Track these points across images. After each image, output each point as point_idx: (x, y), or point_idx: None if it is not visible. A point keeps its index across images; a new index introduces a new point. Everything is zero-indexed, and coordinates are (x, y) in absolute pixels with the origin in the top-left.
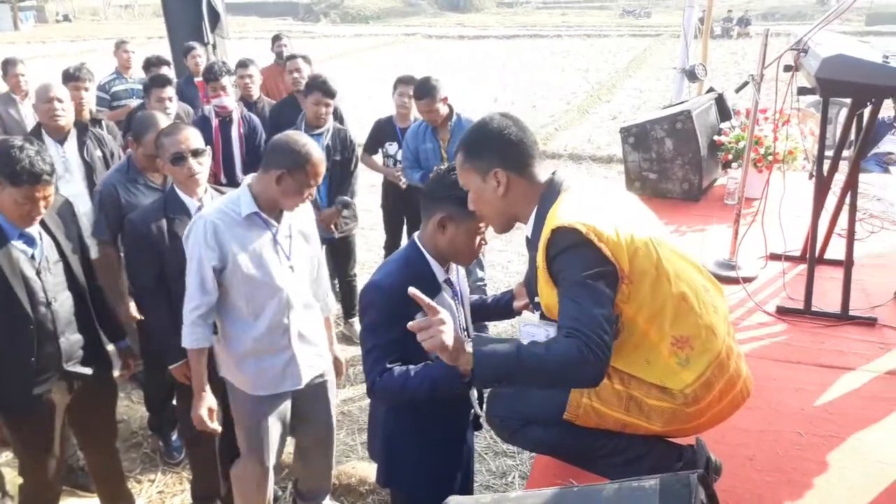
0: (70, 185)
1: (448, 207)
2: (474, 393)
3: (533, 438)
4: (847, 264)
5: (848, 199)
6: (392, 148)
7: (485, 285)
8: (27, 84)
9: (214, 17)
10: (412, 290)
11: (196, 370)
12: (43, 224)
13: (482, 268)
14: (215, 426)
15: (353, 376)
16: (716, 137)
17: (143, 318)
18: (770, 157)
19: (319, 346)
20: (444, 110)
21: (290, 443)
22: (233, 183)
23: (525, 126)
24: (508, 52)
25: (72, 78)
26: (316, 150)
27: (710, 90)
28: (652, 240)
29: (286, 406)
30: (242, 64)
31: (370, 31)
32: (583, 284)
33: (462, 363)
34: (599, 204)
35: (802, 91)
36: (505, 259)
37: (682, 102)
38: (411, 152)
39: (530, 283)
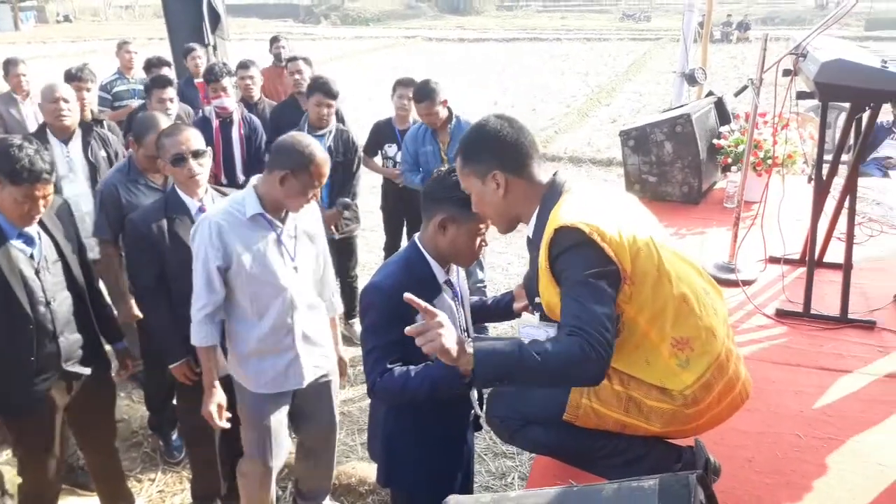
0: (74, 185)
1: (449, 209)
2: (474, 393)
3: (532, 439)
4: (846, 268)
5: (847, 203)
6: (391, 150)
7: (485, 287)
8: (28, 84)
9: (215, 19)
10: (408, 295)
11: (206, 367)
12: (41, 224)
13: (482, 269)
14: (223, 423)
15: (354, 377)
16: (715, 141)
17: (143, 317)
18: (769, 161)
19: (324, 346)
20: (443, 113)
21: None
22: (233, 184)
23: (522, 126)
24: (508, 55)
25: (74, 78)
26: (320, 151)
27: (710, 94)
28: (653, 241)
29: (287, 406)
30: (243, 65)
31: (370, 34)
32: (585, 283)
33: (463, 364)
34: (601, 205)
35: (801, 95)
36: (505, 261)
37: (682, 106)
38: (410, 155)
39: (530, 285)
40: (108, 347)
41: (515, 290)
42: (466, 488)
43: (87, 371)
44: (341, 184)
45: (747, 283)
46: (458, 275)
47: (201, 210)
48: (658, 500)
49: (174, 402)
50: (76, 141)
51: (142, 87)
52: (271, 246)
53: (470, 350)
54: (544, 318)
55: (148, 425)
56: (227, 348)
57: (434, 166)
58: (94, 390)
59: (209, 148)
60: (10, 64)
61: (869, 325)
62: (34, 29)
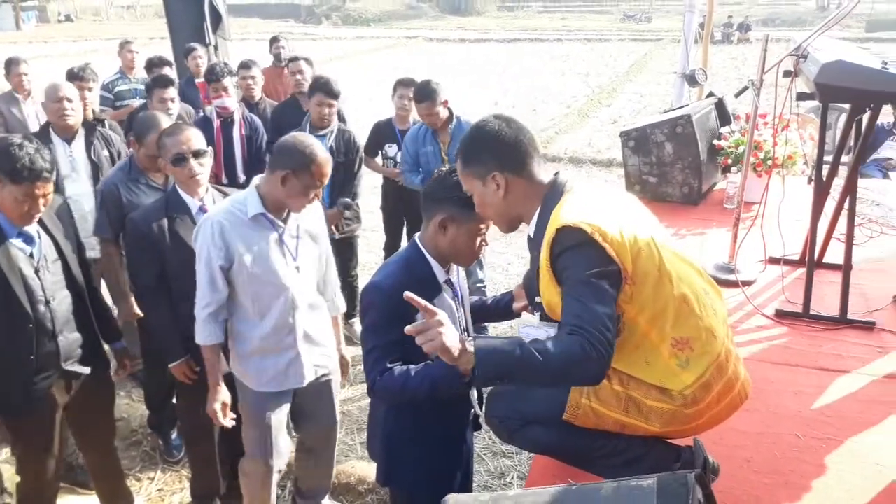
0: (76, 185)
1: (449, 208)
2: (474, 393)
3: (532, 439)
4: (846, 268)
5: (847, 204)
6: (392, 150)
7: (485, 287)
8: (30, 83)
9: (216, 19)
10: (408, 294)
11: (210, 365)
12: (41, 223)
13: (482, 269)
14: (227, 422)
15: (353, 376)
16: (715, 142)
17: (143, 316)
18: (769, 162)
19: (325, 346)
20: (444, 113)
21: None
22: (234, 183)
23: (520, 126)
24: (509, 55)
25: (76, 78)
26: (321, 151)
27: (710, 95)
28: (654, 241)
29: (288, 404)
30: (245, 65)
31: (372, 34)
32: (587, 283)
33: (463, 362)
34: (603, 205)
35: (802, 96)
36: (505, 261)
37: (683, 107)
38: (411, 156)
39: (530, 285)
40: (105, 347)
41: (515, 290)
42: (466, 488)
43: (86, 370)
44: (342, 184)
45: (747, 283)
46: (458, 274)
47: (202, 209)
48: (656, 499)
49: (174, 401)
50: (79, 140)
51: (143, 87)
52: (273, 246)
53: (470, 349)
54: (544, 317)
55: (148, 424)
56: (229, 347)
57: (434, 166)
58: (94, 390)
59: (210, 148)
60: (11, 63)
61: (868, 326)
62: (35, 28)
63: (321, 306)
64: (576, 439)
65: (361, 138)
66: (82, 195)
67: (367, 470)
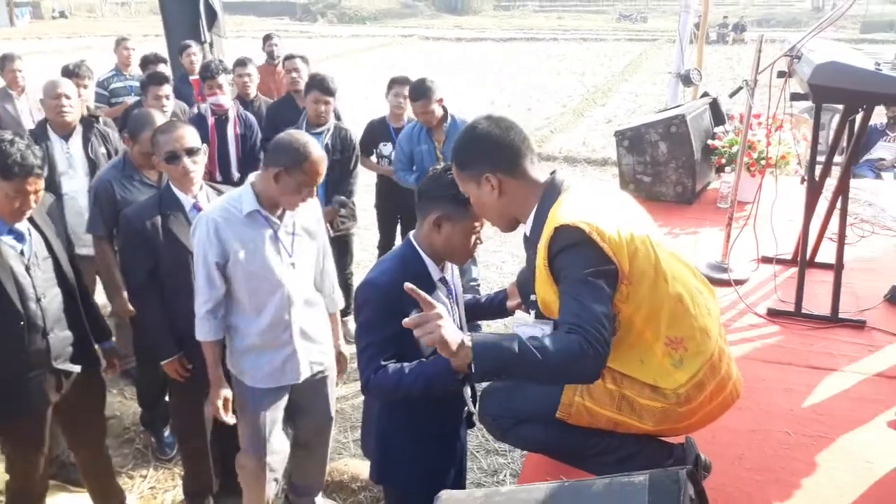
0: (73, 182)
1: (444, 206)
2: (468, 391)
3: (525, 437)
4: (837, 268)
5: (839, 204)
6: (386, 149)
7: (478, 285)
8: (24, 80)
9: (212, 16)
10: (408, 285)
11: (210, 362)
12: (31, 221)
13: (476, 267)
14: (229, 418)
15: (346, 374)
16: (709, 141)
17: (136, 313)
18: (763, 162)
19: (322, 342)
20: (439, 112)
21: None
22: (228, 181)
23: (511, 126)
24: (505, 54)
25: (71, 74)
26: (315, 149)
27: (705, 95)
28: (650, 241)
29: (284, 400)
30: (241, 62)
31: (367, 32)
32: (584, 282)
33: (461, 357)
34: (600, 204)
35: (795, 97)
36: (499, 259)
37: (677, 107)
38: (405, 154)
39: (524, 283)
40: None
41: (509, 288)
42: (459, 485)
43: (76, 369)
44: (338, 182)
45: (739, 282)
46: (452, 272)
47: (196, 207)
48: (648, 495)
49: (166, 398)
50: (76, 137)
51: (138, 84)
52: (268, 242)
53: (468, 343)
54: (539, 315)
55: (140, 422)
56: (226, 343)
57: (429, 165)
58: (84, 388)
59: (204, 145)
60: (5, 59)
61: (859, 325)
62: (29, 25)
63: (318, 303)
64: (569, 437)
65: (357, 136)
66: (79, 192)
67: (360, 467)
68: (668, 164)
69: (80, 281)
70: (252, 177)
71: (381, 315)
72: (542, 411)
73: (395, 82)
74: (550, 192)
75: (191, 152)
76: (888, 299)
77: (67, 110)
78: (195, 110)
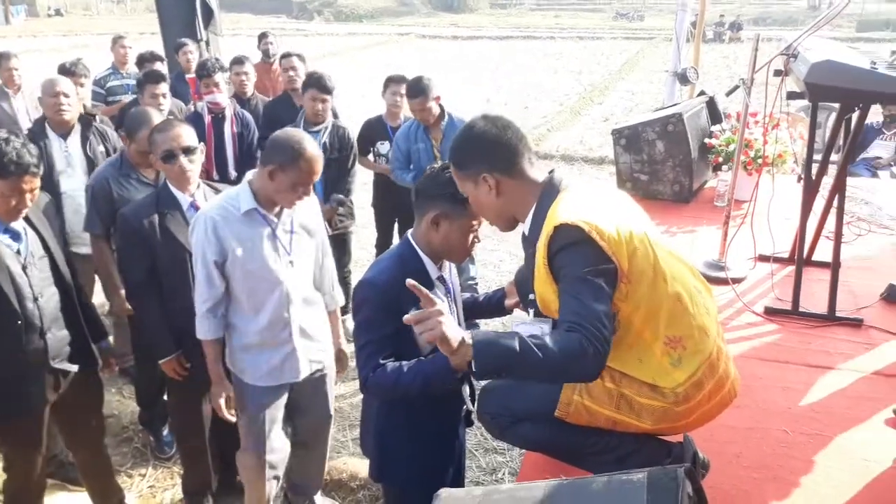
0: (72, 180)
1: (442, 205)
2: (466, 389)
3: (524, 435)
4: (834, 266)
5: (836, 202)
6: (384, 147)
7: (476, 284)
8: (20, 78)
9: (208, 14)
10: (410, 281)
11: (211, 360)
12: (27, 220)
13: (474, 265)
14: (231, 416)
15: (346, 373)
16: (706, 140)
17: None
18: (759, 160)
19: (322, 341)
20: (436, 110)
21: None
22: (225, 180)
23: (508, 125)
24: (502, 53)
25: (68, 73)
26: (311, 147)
27: (702, 93)
28: (649, 240)
29: (284, 399)
30: (238, 61)
31: (364, 30)
32: (584, 281)
33: (461, 354)
34: (599, 203)
35: (792, 95)
36: (497, 258)
37: (674, 105)
38: (402, 153)
39: (522, 282)
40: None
41: (507, 287)
42: (458, 483)
43: (74, 368)
44: (336, 180)
45: (737, 280)
46: (450, 271)
47: (193, 205)
48: (647, 493)
49: (165, 397)
50: (75, 135)
51: (135, 82)
52: (266, 241)
53: (469, 341)
54: (538, 314)
55: (138, 420)
56: (225, 341)
57: (427, 163)
58: (82, 387)
59: (201, 144)
60: (1, 58)
61: (856, 323)
62: (25, 23)
63: (317, 301)
64: (567, 436)
65: (354, 135)
66: (78, 191)
67: (359, 466)
68: (665, 162)
69: (76, 280)
70: (249, 175)
71: (380, 314)
72: (540, 410)
73: (391, 80)
74: (549, 191)
75: (188, 151)
76: (885, 297)
77: (66, 109)
78: (192, 109)
